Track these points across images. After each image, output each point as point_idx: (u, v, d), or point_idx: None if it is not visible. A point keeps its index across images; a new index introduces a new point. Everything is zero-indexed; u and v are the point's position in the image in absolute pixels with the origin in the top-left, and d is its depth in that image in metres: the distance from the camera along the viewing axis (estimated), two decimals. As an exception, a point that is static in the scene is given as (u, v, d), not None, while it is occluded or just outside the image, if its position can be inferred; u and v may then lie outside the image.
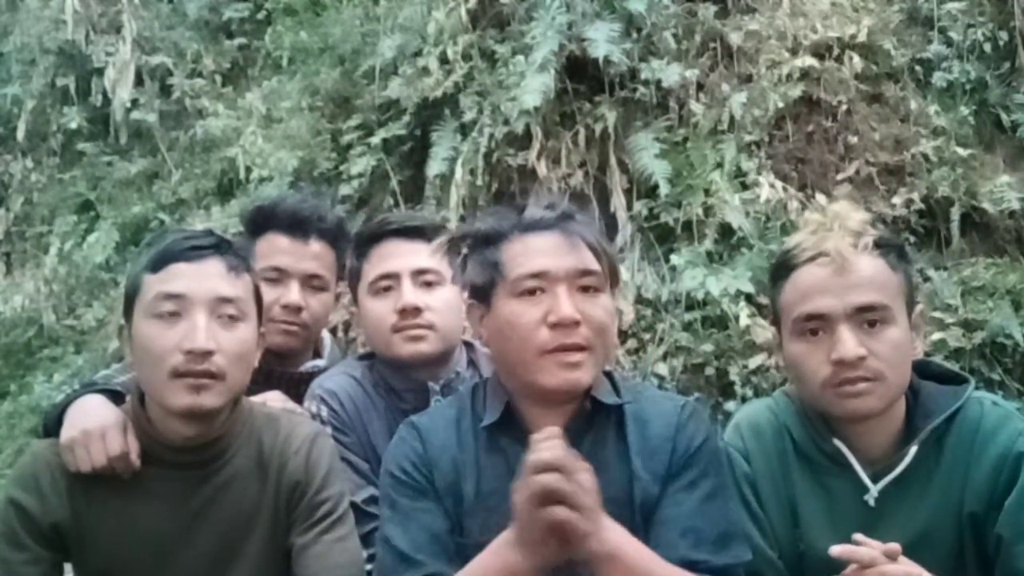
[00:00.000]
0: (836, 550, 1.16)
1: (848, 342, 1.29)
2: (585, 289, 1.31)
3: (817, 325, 1.33)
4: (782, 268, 1.39)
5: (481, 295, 1.35)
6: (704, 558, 1.26)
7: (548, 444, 1.15)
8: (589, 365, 1.29)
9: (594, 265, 1.32)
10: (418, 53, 3.94)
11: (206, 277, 1.35)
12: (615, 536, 1.20)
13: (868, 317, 1.30)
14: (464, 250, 1.40)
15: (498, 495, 1.31)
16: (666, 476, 1.31)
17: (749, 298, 3.14)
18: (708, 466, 1.33)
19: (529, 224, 1.34)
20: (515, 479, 1.28)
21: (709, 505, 1.30)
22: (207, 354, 1.30)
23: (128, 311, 1.38)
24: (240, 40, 5.25)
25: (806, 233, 1.37)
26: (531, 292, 1.29)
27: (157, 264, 1.35)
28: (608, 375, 1.40)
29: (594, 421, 1.35)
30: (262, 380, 1.65)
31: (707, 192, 3.39)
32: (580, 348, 1.28)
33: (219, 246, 1.39)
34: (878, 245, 1.34)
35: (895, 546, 1.16)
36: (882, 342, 1.30)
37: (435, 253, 1.48)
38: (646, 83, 3.58)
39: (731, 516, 1.33)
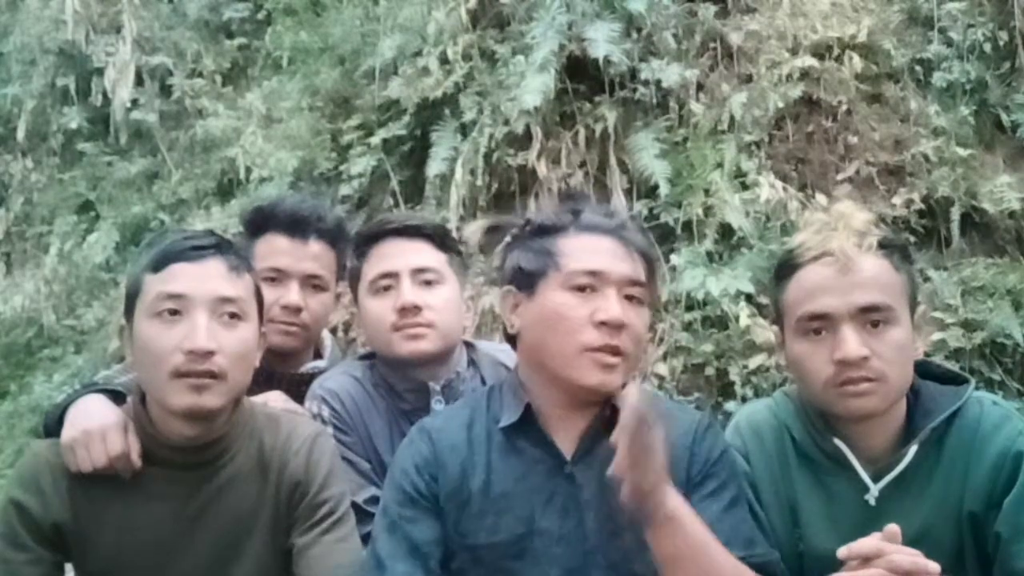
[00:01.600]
0: (843, 552, 1.16)
1: (851, 342, 1.29)
2: (630, 298, 1.32)
3: (820, 325, 1.33)
4: (786, 267, 1.39)
5: (526, 282, 1.35)
6: (739, 555, 1.27)
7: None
8: (622, 371, 1.31)
9: (644, 277, 1.34)
10: (418, 53, 3.94)
11: (207, 277, 1.35)
12: (676, 500, 1.22)
13: (871, 317, 1.31)
14: (509, 238, 1.41)
15: (510, 498, 1.32)
16: (685, 486, 1.33)
17: (749, 298, 3.14)
18: (728, 477, 1.36)
19: (589, 224, 1.36)
20: (529, 483, 1.30)
21: (732, 513, 1.33)
22: (208, 354, 1.30)
23: (129, 311, 1.38)
24: (240, 40, 5.25)
25: (810, 232, 1.37)
26: (582, 288, 1.31)
27: (158, 264, 1.35)
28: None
29: (613, 428, 1.35)
30: (263, 381, 1.65)
31: (707, 192, 3.39)
32: (618, 352, 1.29)
33: (220, 246, 1.39)
34: (882, 245, 1.34)
35: (893, 528, 1.16)
36: (885, 342, 1.30)
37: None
38: (646, 83, 3.58)
39: (752, 524, 1.36)
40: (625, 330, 1.29)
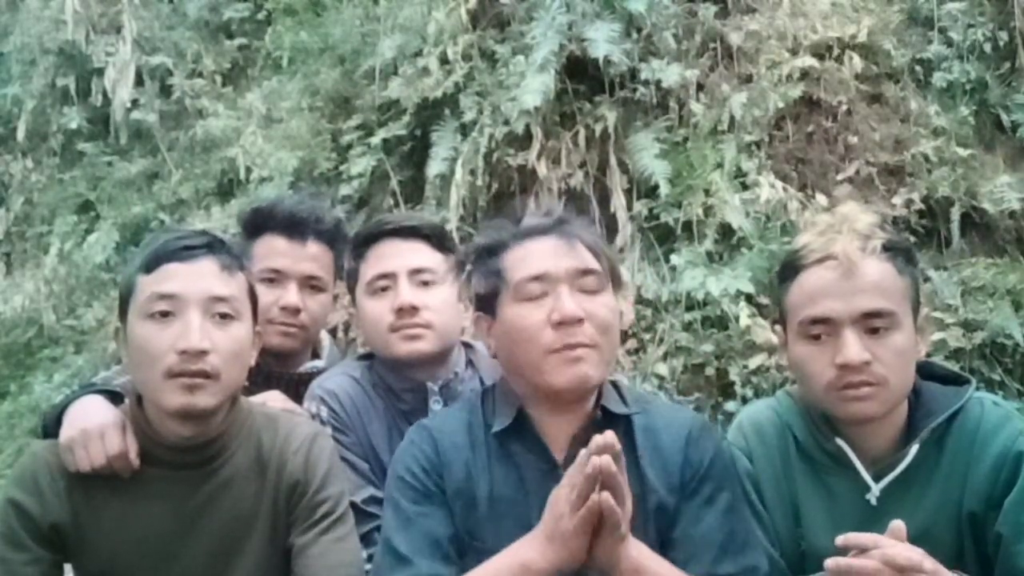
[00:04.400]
0: (840, 540, 1.17)
1: (853, 347, 1.29)
2: (587, 289, 1.33)
3: (822, 329, 1.32)
4: (789, 268, 1.38)
5: (486, 305, 1.37)
6: (727, 571, 1.29)
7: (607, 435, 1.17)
8: (595, 362, 1.30)
9: (594, 265, 1.34)
10: (418, 53, 3.94)
11: (199, 276, 1.35)
12: (639, 551, 1.23)
13: (874, 323, 1.30)
14: (468, 266, 1.42)
15: (508, 502, 1.33)
16: (680, 489, 1.33)
17: (749, 298, 3.14)
18: (723, 480, 1.36)
19: (527, 231, 1.37)
20: (526, 488, 1.31)
21: (728, 518, 1.33)
22: (201, 353, 1.30)
23: (123, 312, 1.38)
24: (240, 40, 5.24)
25: (814, 234, 1.36)
26: (534, 295, 1.31)
27: (150, 264, 1.35)
28: (614, 385, 1.41)
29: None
30: (261, 381, 1.66)
31: (707, 192, 3.39)
32: (584, 346, 1.29)
33: (212, 245, 1.39)
34: (886, 248, 1.33)
35: (898, 524, 1.16)
36: (887, 347, 1.30)
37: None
38: (646, 83, 3.57)
39: (748, 526, 1.36)
40: (585, 322, 1.29)
